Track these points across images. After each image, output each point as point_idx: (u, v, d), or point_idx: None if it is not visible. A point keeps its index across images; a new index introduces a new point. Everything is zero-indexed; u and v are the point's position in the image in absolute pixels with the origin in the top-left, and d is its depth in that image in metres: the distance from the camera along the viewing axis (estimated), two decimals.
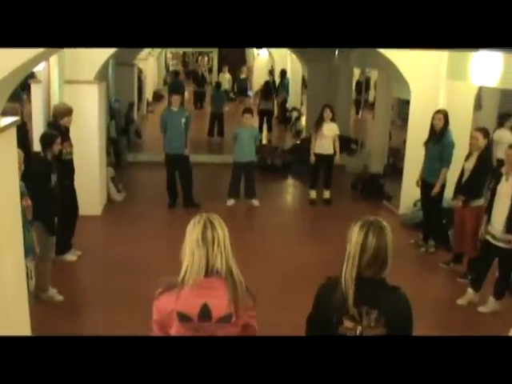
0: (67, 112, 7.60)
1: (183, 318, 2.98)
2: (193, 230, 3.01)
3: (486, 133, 7.46)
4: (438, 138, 8.34)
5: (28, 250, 5.35)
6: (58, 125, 7.44)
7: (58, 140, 6.72)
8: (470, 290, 6.87)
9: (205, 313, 2.97)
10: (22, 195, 5.38)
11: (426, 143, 8.53)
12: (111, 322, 6.19)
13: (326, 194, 11.16)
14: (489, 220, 6.60)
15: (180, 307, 2.97)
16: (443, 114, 8.41)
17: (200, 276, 2.95)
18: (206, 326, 2.99)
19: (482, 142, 7.34)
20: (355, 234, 3.03)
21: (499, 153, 9.18)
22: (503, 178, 6.43)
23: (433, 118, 8.47)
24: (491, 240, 6.53)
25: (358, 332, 3.01)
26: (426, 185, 8.56)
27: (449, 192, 8.27)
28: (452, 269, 7.92)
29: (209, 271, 2.98)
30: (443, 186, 8.40)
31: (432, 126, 8.47)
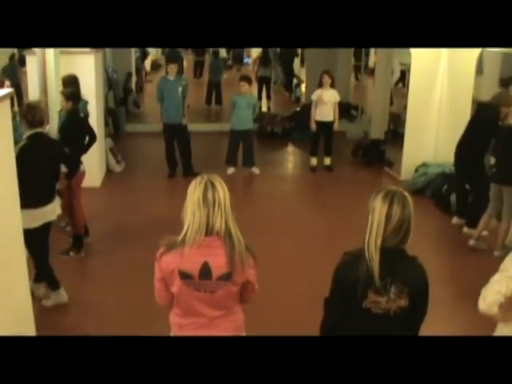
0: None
1: (184, 276, 3.07)
2: (194, 191, 3.06)
3: None
4: None
5: None
6: None
7: None
8: None
9: (205, 271, 3.06)
10: None
11: None
12: (116, 290, 6.29)
13: (327, 161, 11.10)
14: None
15: (181, 266, 3.06)
16: None
17: (200, 236, 3.03)
18: (206, 284, 3.08)
19: None
20: (379, 205, 2.97)
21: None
22: None
23: None
24: None
25: (382, 305, 3.01)
26: None
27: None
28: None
29: (208, 231, 3.05)
30: None
31: None
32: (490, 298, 3.27)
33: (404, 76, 14.40)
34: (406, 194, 3.01)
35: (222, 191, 3.07)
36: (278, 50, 20.47)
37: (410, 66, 10.37)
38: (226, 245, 3.06)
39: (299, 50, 20.50)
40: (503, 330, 3.40)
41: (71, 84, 7.38)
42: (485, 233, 7.55)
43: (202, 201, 3.02)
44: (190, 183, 3.13)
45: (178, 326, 3.27)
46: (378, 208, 2.96)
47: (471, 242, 7.49)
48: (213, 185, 3.05)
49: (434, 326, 3.97)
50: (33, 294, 5.30)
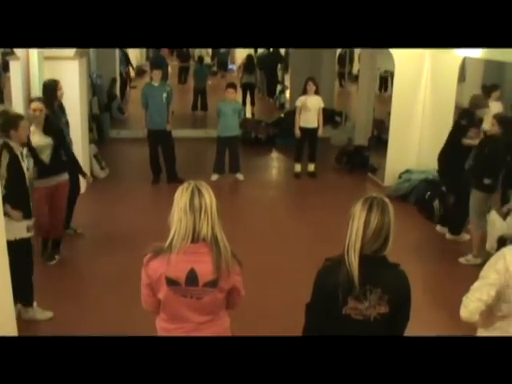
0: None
1: (171, 282, 3.08)
2: (180, 198, 3.07)
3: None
4: None
5: None
6: None
7: None
8: None
9: (192, 278, 3.07)
10: None
11: None
12: (99, 294, 6.25)
13: (311, 167, 11.15)
14: None
15: (168, 272, 3.06)
16: None
17: (186, 242, 3.04)
18: (192, 290, 3.09)
19: None
20: (358, 211, 2.99)
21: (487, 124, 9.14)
22: None
23: None
24: None
25: (362, 311, 3.02)
26: None
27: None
28: None
29: (195, 238, 3.06)
30: None
31: None
32: (471, 305, 3.31)
33: (384, 82, 14.49)
34: (386, 200, 3.03)
35: (209, 198, 3.07)
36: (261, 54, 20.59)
37: (389, 72, 10.44)
38: (212, 252, 3.06)
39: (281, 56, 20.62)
40: (483, 335, 3.45)
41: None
42: (467, 236, 7.61)
43: (189, 207, 3.02)
44: (176, 189, 3.14)
45: (165, 330, 3.27)
46: (358, 214, 2.98)
47: (477, 261, 6.97)
48: (199, 191, 3.06)
49: (415, 331, 3.99)
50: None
